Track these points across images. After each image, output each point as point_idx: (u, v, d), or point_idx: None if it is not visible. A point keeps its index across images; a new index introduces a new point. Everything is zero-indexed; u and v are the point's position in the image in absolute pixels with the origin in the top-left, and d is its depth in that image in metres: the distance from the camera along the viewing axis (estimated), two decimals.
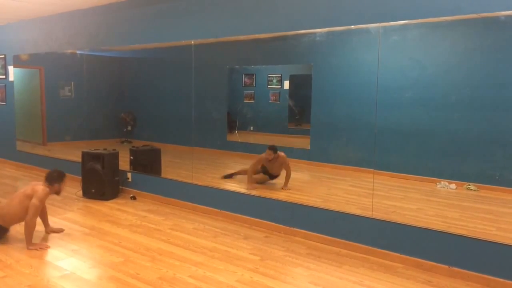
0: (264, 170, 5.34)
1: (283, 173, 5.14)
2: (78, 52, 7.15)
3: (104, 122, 7.49)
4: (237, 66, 5.81)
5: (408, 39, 4.07)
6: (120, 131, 7.18)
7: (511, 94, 3.60)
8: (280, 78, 5.39)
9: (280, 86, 5.39)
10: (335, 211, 4.36)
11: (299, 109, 5.33)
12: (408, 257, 3.86)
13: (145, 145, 6.52)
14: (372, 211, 4.13)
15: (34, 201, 4.13)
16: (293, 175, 5.10)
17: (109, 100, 7.47)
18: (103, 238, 4.45)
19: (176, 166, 6.22)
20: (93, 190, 5.97)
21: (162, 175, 6.12)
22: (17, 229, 4.64)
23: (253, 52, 5.35)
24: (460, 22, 3.65)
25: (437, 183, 4.09)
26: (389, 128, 4.16)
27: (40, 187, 4.22)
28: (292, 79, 5.32)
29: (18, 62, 8.26)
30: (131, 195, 6.11)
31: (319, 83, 4.78)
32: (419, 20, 3.82)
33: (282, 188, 5.06)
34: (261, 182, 5.33)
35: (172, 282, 3.44)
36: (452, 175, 4.00)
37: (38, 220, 4.59)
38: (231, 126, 5.79)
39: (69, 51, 7.23)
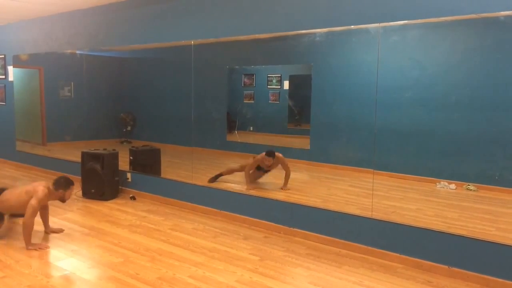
0: (258, 167, 5.35)
1: (282, 174, 5.12)
2: (78, 52, 7.15)
3: (104, 122, 7.48)
4: (236, 66, 5.81)
5: (408, 39, 4.07)
6: (119, 131, 7.17)
7: (511, 95, 3.60)
8: (279, 78, 5.39)
9: (279, 86, 5.39)
10: (334, 211, 4.36)
11: (299, 109, 5.33)
12: (407, 257, 3.86)
13: (145, 145, 6.52)
14: (372, 211, 4.13)
15: (33, 201, 4.13)
16: (293, 175, 5.09)
17: (108, 100, 7.47)
18: (102, 238, 4.45)
19: (176, 166, 6.22)
20: (92, 190, 5.97)
21: (162, 175, 6.12)
22: (17, 229, 4.64)
23: (253, 52, 5.35)
24: (460, 22, 3.65)
25: (437, 183, 4.09)
26: (388, 128, 4.16)
27: (40, 187, 4.22)
28: (291, 79, 5.32)
29: (18, 62, 8.26)
30: (131, 195, 6.11)
31: (318, 83, 4.78)
32: (419, 20, 3.82)
33: (281, 189, 5.06)
34: (257, 178, 5.34)
35: (171, 282, 3.44)
36: (451, 175, 4.00)
37: (39, 220, 4.60)
38: (231, 126, 5.79)
39: (69, 51, 7.23)
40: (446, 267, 3.66)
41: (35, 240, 4.28)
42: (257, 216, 4.90)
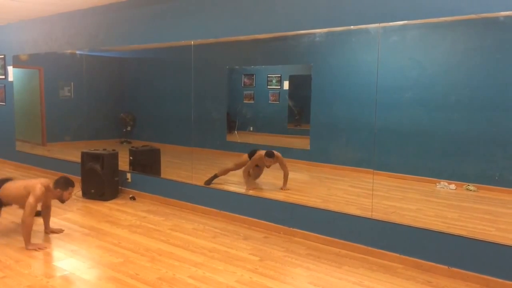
0: (252, 155, 5.37)
1: (281, 174, 5.12)
2: (77, 52, 7.15)
3: (104, 123, 7.48)
4: (236, 67, 5.81)
5: (408, 39, 4.07)
6: (119, 132, 7.17)
7: (511, 95, 3.60)
8: (279, 79, 5.39)
9: (279, 87, 5.39)
10: (334, 211, 4.36)
11: (299, 109, 5.33)
12: (407, 257, 3.86)
13: (145, 145, 6.52)
14: (372, 212, 4.13)
15: (30, 199, 4.13)
16: (293, 175, 5.09)
17: (108, 100, 7.47)
18: (102, 238, 4.45)
19: (176, 166, 6.22)
20: (92, 191, 5.97)
21: (162, 176, 6.12)
22: (16, 230, 4.64)
23: (253, 52, 5.35)
24: (460, 22, 3.65)
25: (437, 184, 4.09)
26: (388, 129, 4.16)
27: (38, 185, 4.21)
28: (291, 79, 5.32)
29: (17, 62, 8.26)
30: (131, 196, 6.11)
31: (318, 83, 4.78)
32: (419, 21, 3.82)
33: (281, 189, 5.06)
34: (257, 175, 5.36)
35: (171, 282, 3.44)
36: (451, 175, 4.00)
37: (40, 221, 4.60)
38: (231, 127, 5.79)
39: (69, 51, 7.23)
40: (446, 267, 3.66)
41: (34, 240, 4.28)
42: (257, 216, 4.90)
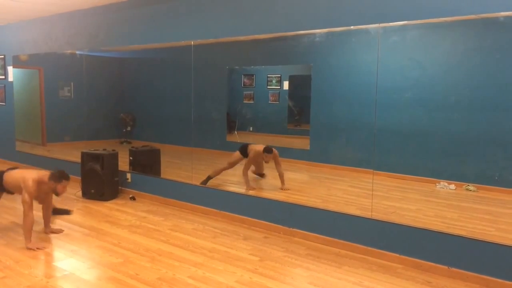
0: (243, 151, 5.40)
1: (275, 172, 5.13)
2: (77, 52, 7.15)
3: (104, 123, 7.48)
4: (236, 67, 5.81)
5: (408, 39, 4.07)
6: (119, 132, 7.17)
7: (511, 95, 3.60)
8: (279, 79, 5.39)
9: (279, 87, 5.39)
10: (334, 211, 4.36)
11: (299, 109, 5.33)
12: (407, 257, 3.86)
13: (145, 145, 6.52)
14: (372, 212, 4.13)
15: (25, 196, 4.19)
16: (293, 175, 5.10)
17: (108, 100, 7.47)
18: (102, 238, 4.45)
19: (176, 166, 6.22)
20: (92, 191, 5.97)
21: (162, 176, 6.12)
22: (16, 230, 4.64)
23: (253, 52, 5.35)
24: (460, 22, 3.65)
25: (437, 184, 4.09)
26: (388, 129, 4.16)
27: (30, 181, 4.24)
28: (291, 79, 5.32)
29: (17, 63, 8.26)
30: (131, 196, 6.11)
31: (318, 83, 4.78)
32: (419, 21, 3.82)
33: (281, 189, 5.06)
34: (260, 168, 5.39)
35: (171, 282, 3.44)
36: (451, 175, 4.00)
37: (40, 221, 4.60)
38: (231, 127, 5.79)
39: (69, 51, 7.23)
40: (446, 267, 3.66)
41: (34, 240, 4.28)
42: (256, 217, 4.90)
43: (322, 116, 4.77)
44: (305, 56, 4.91)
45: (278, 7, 4.69)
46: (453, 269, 3.63)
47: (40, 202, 4.63)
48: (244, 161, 5.40)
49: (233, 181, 5.57)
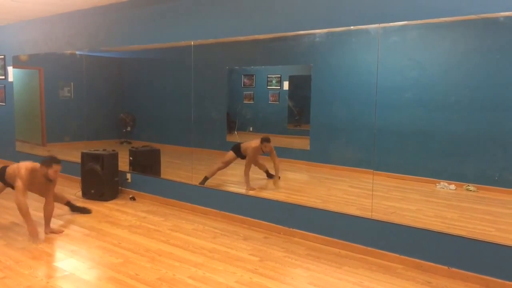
0: (236, 149, 5.44)
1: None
2: (77, 52, 7.15)
3: (104, 123, 7.49)
4: (236, 67, 5.81)
5: (408, 40, 4.07)
6: (119, 132, 7.18)
7: (511, 95, 3.60)
8: (279, 79, 5.39)
9: (279, 87, 5.40)
10: (334, 211, 4.36)
11: (299, 109, 5.33)
12: (407, 258, 3.86)
13: (145, 145, 6.52)
14: (372, 212, 4.13)
15: (18, 183, 4.31)
16: (293, 175, 5.10)
17: (108, 100, 7.47)
18: (102, 238, 4.45)
19: (176, 166, 6.22)
20: (92, 191, 5.97)
21: (162, 176, 6.12)
22: (17, 230, 4.64)
23: (253, 52, 5.35)
24: (460, 23, 3.65)
25: (437, 184, 4.10)
26: (388, 129, 4.16)
27: (22, 169, 4.37)
28: (291, 79, 5.32)
29: (17, 63, 8.26)
30: (131, 196, 6.11)
31: (318, 83, 4.78)
32: (419, 21, 3.82)
33: (274, 184, 5.07)
34: (262, 166, 5.43)
35: (171, 283, 3.44)
36: (451, 175, 4.00)
37: (41, 221, 4.60)
38: (231, 127, 5.79)
39: (69, 51, 7.23)
40: (446, 267, 3.66)
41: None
42: (256, 217, 4.90)
43: (322, 116, 4.78)
44: (305, 56, 4.91)
45: (278, 7, 4.69)
46: (453, 269, 3.63)
47: (40, 194, 4.70)
48: (238, 160, 5.42)
49: (233, 181, 5.58)
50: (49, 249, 4.19)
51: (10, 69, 8.37)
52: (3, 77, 8.52)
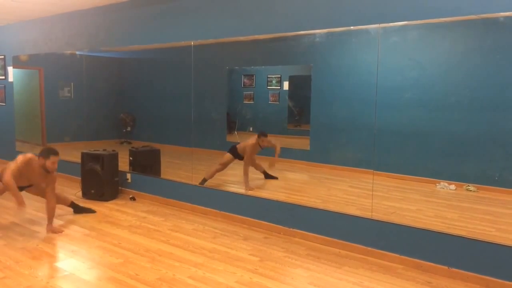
0: (233, 151, 5.46)
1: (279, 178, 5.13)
2: (77, 52, 7.15)
3: (104, 123, 7.49)
4: (236, 67, 5.81)
5: (408, 40, 4.07)
6: (119, 132, 7.18)
7: (511, 95, 3.60)
8: (279, 79, 5.39)
9: (279, 87, 5.40)
10: (334, 212, 4.36)
11: (299, 110, 5.33)
12: (407, 258, 3.86)
13: (145, 146, 6.52)
14: (372, 212, 4.13)
15: (11, 163, 4.43)
16: (293, 175, 5.10)
17: (108, 101, 7.47)
18: (102, 239, 4.45)
19: (176, 167, 6.22)
20: (92, 191, 5.97)
21: (162, 176, 6.12)
22: (17, 230, 4.64)
23: (253, 53, 5.35)
24: (460, 23, 3.65)
25: (437, 184, 4.09)
26: (388, 129, 4.16)
27: (19, 158, 4.49)
28: (291, 80, 5.32)
29: (17, 63, 8.26)
30: (131, 196, 6.11)
31: (318, 84, 4.78)
32: (419, 21, 3.82)
33: (271, 164, 5.09)
34: (258, 166, 5.44)
35: (171, 283, 3.44)
36: (451, 176, 4.00)
37: (42, 221, 4.60)
38: (231, 127, 5.79)
39: (69, 51, 7.24)
40: (446, 267, 3.66)
41: (34, 240, 4.28)
42: (256, 217, 4.90)
43: (322, 117, 4.78)
44: (305, 56, 4.91)
45: (278, 8, 4.69)
46: (453, 269, 3.63)
47: (39, 193, 4.74)
48: (236, 161, 5.43)
49: (233, 181, 5.58)
50: (49, 249, 4.19)
51: (10, 69, 8.37)
52: (3, 77, 8.52)
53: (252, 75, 5.66)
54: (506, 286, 3.39)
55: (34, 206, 5.46)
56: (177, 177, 5.89)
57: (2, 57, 8.50)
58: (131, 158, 6.27)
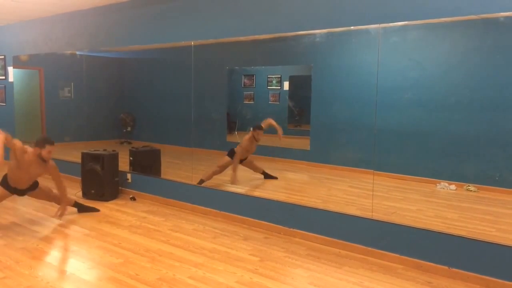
0: (232, 154, 5.47)
1: (279, 180, 5.13)
2: (77, 53, 7.16)
3: (104, 123, 7.49)
4: (236, 67, 5.82)
5: (408, 40, 4.07)
6: (119, 132, 7.18)
7: (511, 95, 3.60)
8: (279, 79, 5.39)
9: (279, 87, 5.40)
10: (334, 212, 4.36)
11: (299, 110, 5.34)
12: (407, 258, 3.86)
13: (145, 146, 6.52)
14: (372, 212, 4.13)
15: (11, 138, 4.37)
16: (293, 175, 5.10)
17: (108, 101, 7.48)
18: (102, 239, 4.45)
19: (176, 167, 6.23)
20: (92, 191, 5.97)
21: (162, 176, 6.12)
22: (17, 230, 4.64)
23: (253, 53, 5.35)
24: (460, 23, 3.65)
25: (437, 184, 4.10)
26: (388, 129, 4.16)
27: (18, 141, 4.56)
28: (291, 80, 5.33)
29: (17, 63, 8.26)
30: (131, 196, 6.11)
31: (318, 84, 4.78)
32: (419, 21, 3.83)
33: (279, 136, 5.16)
34: (252, 150, 5.48)
35: (171, 283, 3.44)
36: (451, 176, 4.00)
37: (40, 220, 4.60)
38: (231, 127, 5.80)
39: (69, 52, 7.24)
40: (446, 267, 3.66)
41: (33, 240, 4.29)
42: (257, 217, 4.90)
43: (322, 117, 4.78)
44: (306, 56, 4.92)
45: (278, 8, 4.69)
46: (454, 269, 3.63)
47: (36, 174, 4.75)
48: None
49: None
50: (49, 249, 4.19)
51: (10, 69, 8.37)
52: (4, 77, 8.52)
53: (253, 75, 5.66)
54: (506, 286, 3.39)
55: (34, 206, 5.46)
56: (177, 177, 5.89)
57: (2, 57, 8.50)
58: (131, 158, 6.27)
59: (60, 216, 4.88)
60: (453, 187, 4.02)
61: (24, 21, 7.97)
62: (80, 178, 6.17)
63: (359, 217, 4.19)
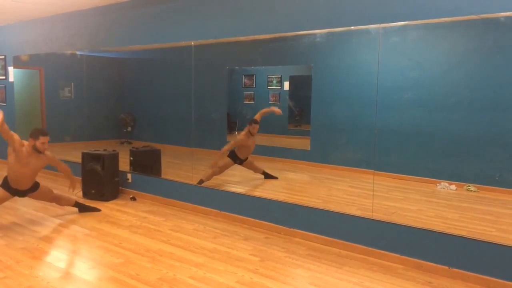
0: (233, 155, 5.44)
1: (278, 181, 5.13)
2: (78, 53, 7.16)
3: (104, 123, 7.49)
4: (237, 67, 5.82)
5: (408, 40, 4.07)
6: (120, 132, 7.18)
7: (511, 95, 3.60)
8: (280, 79, 5.40)
9: (280, 87, 5.40)
10: (335, 212, 4.36)
11: (299, 110, 5.34)
12: (408, 258, 3.86)
13: (145, 146, 6.52)
14: (372, 212, 4.13)
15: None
16: (293, 175, 5.10)
17: (109, 101, 7.48)
18: (103, 239, 4.45)
19: (176, 167, 6.23)
20: (93, 191, 5.97)
21: (162, 176, 6.13)
22: (17, 230, 4.64)
23: (253, 53, 5.35)
24: (460, 23, 3.65)
25: (437, 184, 4.10)
26: (389, 129, 4.16)
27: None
28: (292, 80, 5.33)
29: (18, 63, 8.26)
30: (131, 196, 6.11)
31: (319, 84, 4.78)
32: (419, 21, 3.83)
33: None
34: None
35: (172, 283, 3.44)
36: (452, 176, 4.00)
37: (40, 220, 4.60)
38: (231, 127, 5.80)
39: (69, 52, 7.24)
40: (447, 267, 3.66)
41: (33, 240, 4.29)
42: (257, 217, 4.90)
43: (322, 117, 4.78)
44: (306, 56, 4.92)
45: (278, 7, 4.69)
46: (454, 269, 3.63)
47: (37, 168, 4.75)
48: (236, 166, 5.44)
49: (234, 181, 5.58)
50: (50, 249, 4.20)
51: (10, 69, 8.37)
52: (4, 77, 8.52)
53: (253, 75, 5.67)
54: (506, 286, 3.39)
55: (34, 206, 5.46)
56: (177, 177, 5.90)
57: (3, 57, 8.50)
58: (131, 158, 6.27)
59: (74, 189, 5.13)
60: (453, 187, 4.03)
61: (24, 21, 7.97)
62: (80, 178, 6.17)
63: (360, 217, 4.19)
